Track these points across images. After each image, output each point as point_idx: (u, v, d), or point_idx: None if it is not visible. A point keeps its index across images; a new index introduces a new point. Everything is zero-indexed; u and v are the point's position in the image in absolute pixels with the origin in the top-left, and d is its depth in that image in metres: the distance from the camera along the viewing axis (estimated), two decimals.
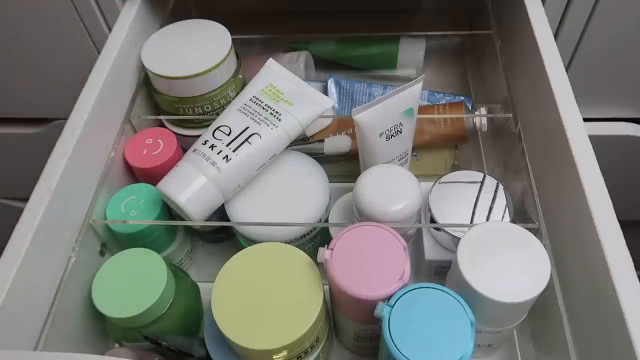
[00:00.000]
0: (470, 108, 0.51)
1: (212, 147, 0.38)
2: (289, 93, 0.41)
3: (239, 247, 0.41)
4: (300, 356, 0.34)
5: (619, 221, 0.30)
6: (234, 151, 0.37)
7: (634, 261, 0.29)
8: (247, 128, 0.38)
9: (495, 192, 0.39)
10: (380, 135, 0.39)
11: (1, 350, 0.28)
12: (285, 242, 0.36)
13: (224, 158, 0.37)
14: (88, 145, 0.39)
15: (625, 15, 0.49)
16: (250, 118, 0.39)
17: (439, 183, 0.40)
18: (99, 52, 0.44)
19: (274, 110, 0.39)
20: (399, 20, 0.64)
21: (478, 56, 0.60)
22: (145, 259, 0.37)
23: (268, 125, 0.38)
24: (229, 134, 0.38)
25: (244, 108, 0.40)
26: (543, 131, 0.39)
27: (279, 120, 0.39)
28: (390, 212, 0.36)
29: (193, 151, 0.38)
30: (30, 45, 0.57)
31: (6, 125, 0.68)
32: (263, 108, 0.39)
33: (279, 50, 0.60)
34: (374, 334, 0.37)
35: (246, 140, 0.38)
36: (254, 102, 0.40)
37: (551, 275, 0.31)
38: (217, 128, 0.39)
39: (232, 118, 0.39)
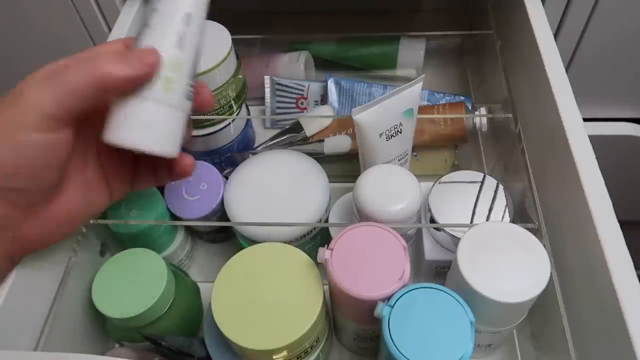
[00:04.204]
0: (470, 108, 0.51)
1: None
2: None
3: (239, 247, 0.41)
4: (300, 356, 0.34)
5: (619, 221, 0.30)
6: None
7: (634, 261, 0.29)
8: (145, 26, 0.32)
9: (495, 192, 0.39)
10: (380, 135, 0.39)
11: (1, 350, 0.28)
12: (285, 242, 0.36)
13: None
14: None
15: (625, 15, 0.49)
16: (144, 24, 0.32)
17: (439, 183, 0.40)
18: None
19: None
20: (399, 20, 0.64)
21: (478, 56, 0.60)
22: (145, 259, 0.37)
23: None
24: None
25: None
26: (543, 131, 0.39)
27: None
28: (390, 212, 0.36)
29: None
30: (30, 45, 0.57)
31: None
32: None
33: (279, 50, 0.60)
34: (374, 334, 0.37)
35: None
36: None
37: (551, 275, 0.31)
38: None
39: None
